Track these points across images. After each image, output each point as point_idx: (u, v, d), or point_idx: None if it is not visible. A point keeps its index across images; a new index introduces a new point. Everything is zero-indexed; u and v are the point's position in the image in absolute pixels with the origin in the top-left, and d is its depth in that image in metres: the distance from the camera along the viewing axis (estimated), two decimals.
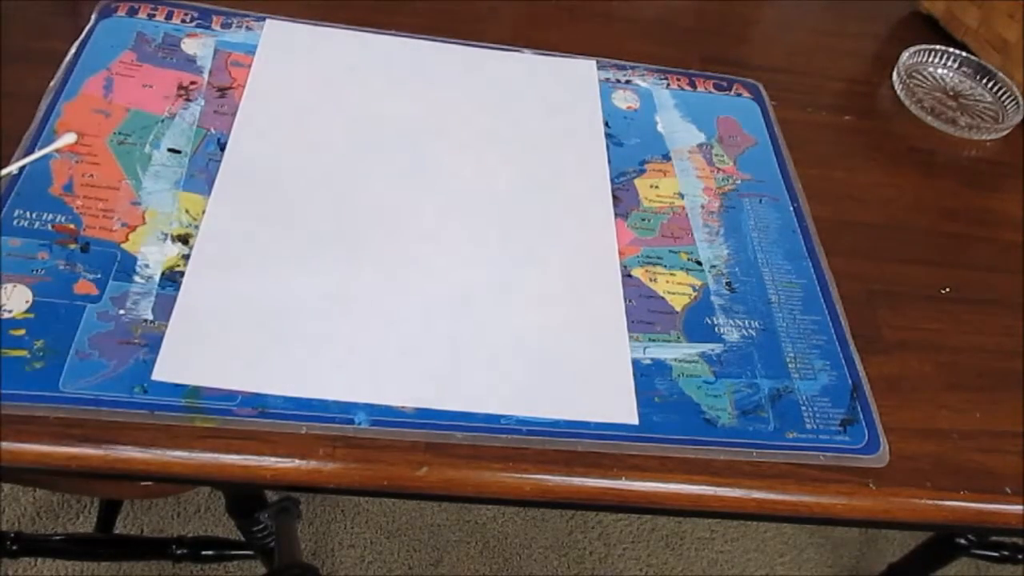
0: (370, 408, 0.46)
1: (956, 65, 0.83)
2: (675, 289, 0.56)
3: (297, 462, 0.44)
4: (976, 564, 1.36)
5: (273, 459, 0.44)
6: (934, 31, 0.87)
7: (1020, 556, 1.20)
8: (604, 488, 0.47)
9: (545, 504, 0.49)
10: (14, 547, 0.99)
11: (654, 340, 0.53)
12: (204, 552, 1.07)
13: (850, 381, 0.54)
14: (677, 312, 0.55)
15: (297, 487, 0.46)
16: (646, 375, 0.51)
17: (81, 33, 0.62)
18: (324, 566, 1.23)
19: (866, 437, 0.51)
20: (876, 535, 1.40)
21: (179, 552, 1.04)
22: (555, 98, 0.68)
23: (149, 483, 0.84)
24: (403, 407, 0.47)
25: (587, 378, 0.50)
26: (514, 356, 0.50)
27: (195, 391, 0.45)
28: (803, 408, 0.52)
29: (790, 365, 0.54)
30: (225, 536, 1.16)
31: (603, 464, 0.47)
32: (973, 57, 0.82)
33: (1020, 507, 0.51)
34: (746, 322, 0.55)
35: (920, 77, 0.81)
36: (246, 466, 0.44)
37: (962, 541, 1.13)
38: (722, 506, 0.48)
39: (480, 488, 0.46)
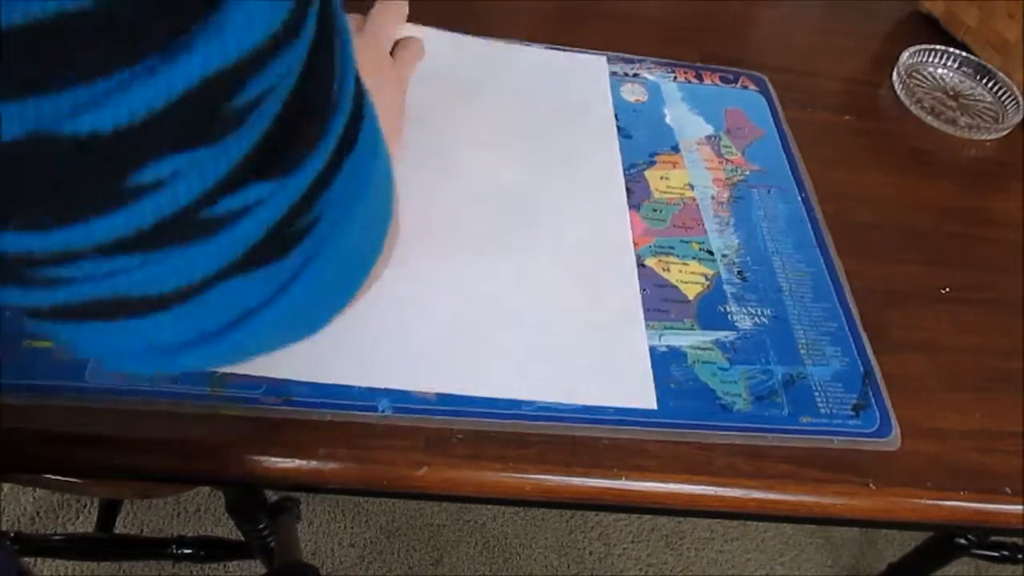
0: (393, 395, 0.47)
1: (956, 65, 0.83)
2: (688, 278, 0.57)
3: (297, 462, 0.44)
4: (976, 564, 1.36)
5: (273, 459, 0.44)
6: (934, 31, 0.87)
7: (1020, 556, 1.21)
8: (604, 488, 0.47)
9: (545, 504, 0.49)
10: (14, 547, 0.99)
11: (669, 328, 0.53)
12: (204, 552, 1.07)
13: (861, 367, 0.54)
14: (690, 300, 0.55)
15: (297, 487, 0.46)
16: (662, 362, 0.51)
17: None
18: (324, 566, 1.23)
19: (878, 421, 0.51)
20: (876, 535, 1.40)
21: (179, 552, 1.05)
22: (568, 91, 0.68)
23: (148, 483, 0.84)
24: (426, 394, 0.47)
25: (606, 365, 0.51)
26: (535, 344, 0.51)
27: (221, 379, 0.45)
28: (816, 393, 0.52)
29: (802, 351, 0.54)
30: (225, 536, 1.16)
31: (603, 464, 0.47)
32: (973, 57, 0.82)
33: (1020, 507, 0.51)
34: (758, 310, 0.56)
35: (920, 77, 0.81)
36: (245, 465, 0.44)
37: (962, 541, 1.13)
38: (722, 506, 0.48)
39: (480, 488, 0.46)
